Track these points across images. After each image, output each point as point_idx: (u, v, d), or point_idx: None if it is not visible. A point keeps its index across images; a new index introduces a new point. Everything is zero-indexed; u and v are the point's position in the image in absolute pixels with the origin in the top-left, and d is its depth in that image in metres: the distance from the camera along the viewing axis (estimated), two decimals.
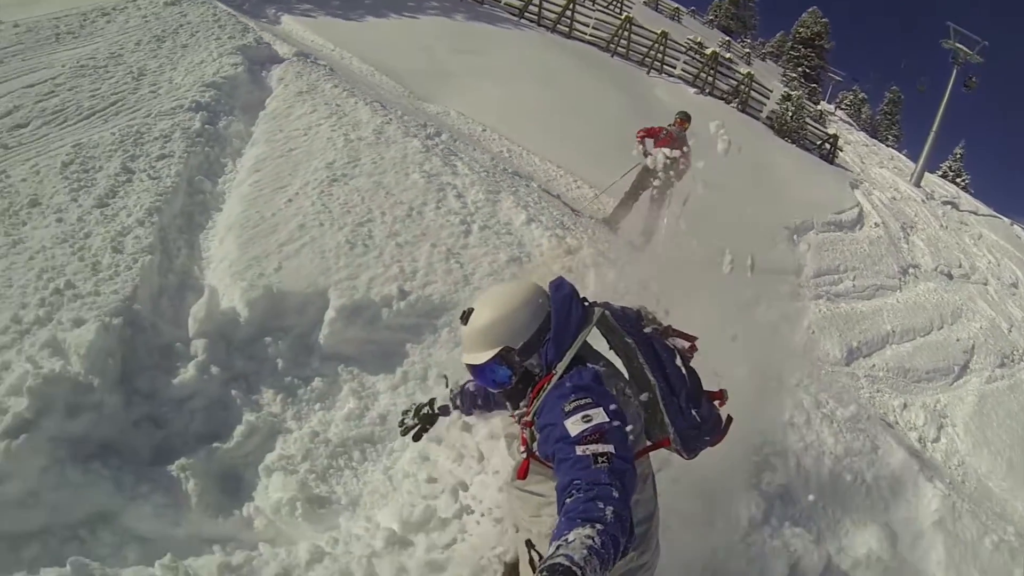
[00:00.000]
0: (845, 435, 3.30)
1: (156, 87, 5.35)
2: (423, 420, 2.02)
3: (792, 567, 2.58)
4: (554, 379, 1.43)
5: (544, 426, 1.39)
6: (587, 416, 1.31)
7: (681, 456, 1.63)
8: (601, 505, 1.16)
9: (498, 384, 1.53)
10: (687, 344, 1.66)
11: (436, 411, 2.02)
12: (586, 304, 1.57)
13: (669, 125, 6.33)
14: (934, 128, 20.90)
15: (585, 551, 1.05)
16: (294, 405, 2.92)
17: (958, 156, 33.67)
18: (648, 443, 1.59)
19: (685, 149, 6.07)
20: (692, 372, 1.63)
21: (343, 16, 12.50)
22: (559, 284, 1.55)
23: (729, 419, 1.66)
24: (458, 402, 1.98)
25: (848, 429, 3.42)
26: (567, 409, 1.34)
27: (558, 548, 1.07)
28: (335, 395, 3.01)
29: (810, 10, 32.91)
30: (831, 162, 17.71)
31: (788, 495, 2.90)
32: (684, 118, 6.31)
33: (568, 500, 1.20)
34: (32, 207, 3.65)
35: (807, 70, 30.26)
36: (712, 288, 3.17)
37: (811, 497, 2.92)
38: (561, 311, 1.50)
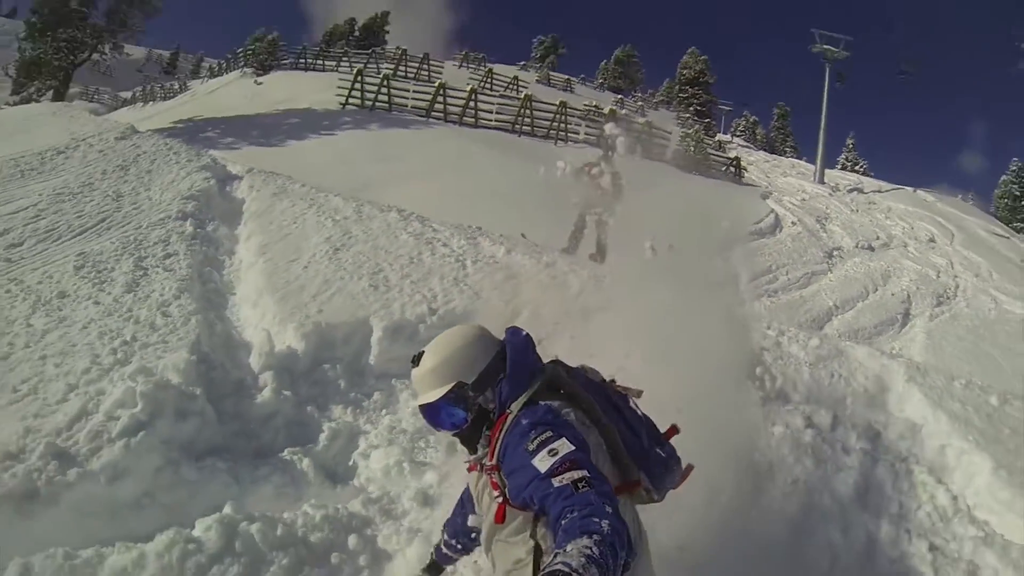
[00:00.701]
0: (813, 349, 4.16)
1: (137, 205, 5.77)
2: (425, 571, 2.10)
3: (807, 419, 3.31)
4: (510, 418, 1.45)
5: (511, 471, 1.39)
6: (552, 450, 1.33)
7: (652, 500, 1.64)
8: (597, 520, 1.18)
9: (454, 425, 1.54)
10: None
11: (434, 557, 2.08)
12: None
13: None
14: (821, 128, 23.37)
15: (583, 559, 1.07)
16: (363, 414, 3.37)
17: (851, 146, 36.76)
18: (620, 481, 1.56)
19: (611, 155, 7.32)
20: (646, 416, 1.68)
21: (265, 143, 13.54)
22: (515, 330, 1.61)
23: (689, 467, 1.70)
24: (452, 542, 1.99)
25: (813, 344, 4.28)
26: (531, 448, 1.35)
27: (556, 556, 1.10)
28: (395, 403, 3.49)
29: (689, 51, 35.52)
30: (739, 182, 20.13)
31: (782, 397, 3.70)
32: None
33: (563, 522, 1.21)
34: (62, 298, 3.88)
35: (698, 107, 32.62)
36: (660, 290, 4.00)
37: (799, 397, 3.67)
38: (518, 350, 1.56)
